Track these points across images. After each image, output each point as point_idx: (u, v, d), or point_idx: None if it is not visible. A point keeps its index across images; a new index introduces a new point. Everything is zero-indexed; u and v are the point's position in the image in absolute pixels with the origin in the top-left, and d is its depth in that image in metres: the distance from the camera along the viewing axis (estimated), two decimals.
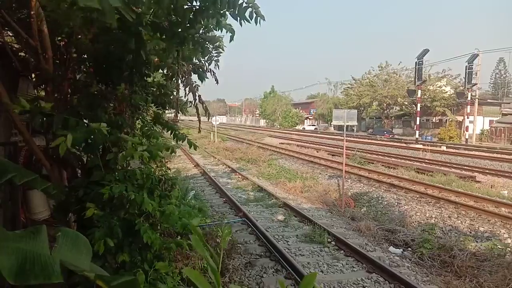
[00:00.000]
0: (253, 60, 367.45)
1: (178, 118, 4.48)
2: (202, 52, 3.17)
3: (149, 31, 2.87)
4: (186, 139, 3.87)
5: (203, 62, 3.94)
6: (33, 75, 3.55)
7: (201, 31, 2.97)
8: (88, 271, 1.04)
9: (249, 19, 2.56)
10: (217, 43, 3.29)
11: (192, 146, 3.88)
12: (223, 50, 3.44)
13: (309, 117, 76.32)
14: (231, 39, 2.86)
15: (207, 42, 3.11)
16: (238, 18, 2.61)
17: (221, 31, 3.08)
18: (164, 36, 2.88)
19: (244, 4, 2.51)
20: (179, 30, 2.72)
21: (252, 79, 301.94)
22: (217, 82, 4.14)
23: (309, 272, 5.90)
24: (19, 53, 3.47)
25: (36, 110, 2.48)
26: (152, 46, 3.05)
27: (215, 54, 3.49)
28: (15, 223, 3.59)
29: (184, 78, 3.96)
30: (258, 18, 2.56)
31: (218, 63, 3.61)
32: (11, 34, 3.30)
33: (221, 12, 2.58)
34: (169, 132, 4.02)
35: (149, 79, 3.91)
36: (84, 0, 1.62)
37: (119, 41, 2.88)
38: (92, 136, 2.63)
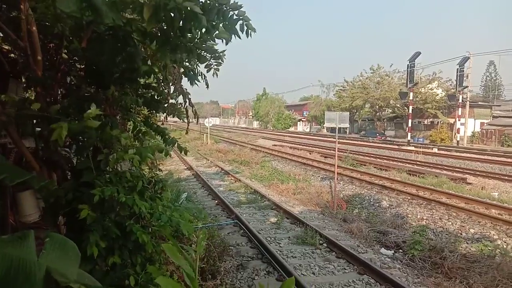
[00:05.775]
0: (246, 62, 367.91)
1: (167, 121, 4.46)
2: (198, 58, 3.13)
3: (139, 37, 2.86)
4: (177, 144, 3.87)
5: (195, 65, 3.92)
6: (23, 77, 3.51)
7: (196, 40, 2.93)
8: (75, 282, 1.02)
9: (240, 32, 2.56)
10: (217, 54, 3.22)
11: (183, 150, 3.88)
12: (223, 61, 3.37)
13: (302, 119, 76.51)
14: (227, 42, 2.83)
15: (203, 52, 3.07)
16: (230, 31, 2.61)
17: (215, 41, 3.07)
18: (155, 43, 2.86)
19: (235, 17, 2.50)
20: (171, 37, 2.70)
21: (246, 81, 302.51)
22: (208, 87, 4.10)
23: (301, 274, 5.92)
24: (9, 55, 3.43)
25: (24, 112, 2.46)
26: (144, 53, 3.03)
27: (214, 63, 3.40)
28: (4, 226, 3.54)
29: (174, 81, 3.94)
30: (249, 31, 2.56)
31: (217, 71, 3.53)
32: (0, 35, 3.26)
33: (213, 23, 2.56)
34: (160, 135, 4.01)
35: (142, 80, 3.88)
36: (60, 3, 1.60)
37: (111, 48, 2.87)
38: (83, 136, 2.61)
